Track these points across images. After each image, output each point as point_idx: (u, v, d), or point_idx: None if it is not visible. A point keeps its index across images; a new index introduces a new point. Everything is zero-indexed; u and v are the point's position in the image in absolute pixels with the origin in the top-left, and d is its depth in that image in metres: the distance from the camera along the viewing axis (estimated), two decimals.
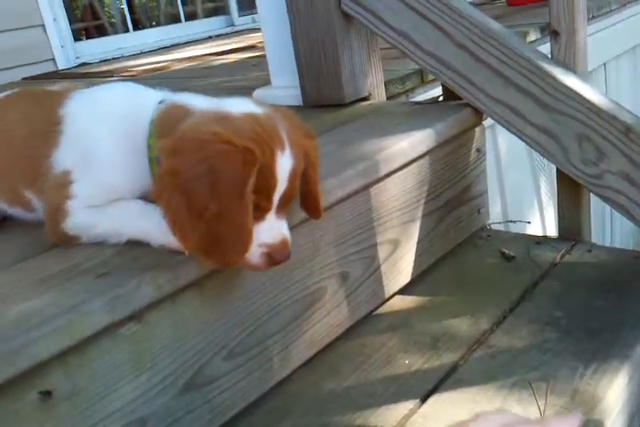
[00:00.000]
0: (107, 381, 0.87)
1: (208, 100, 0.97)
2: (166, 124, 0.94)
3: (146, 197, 1.00)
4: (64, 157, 1.01)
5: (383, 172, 1.24)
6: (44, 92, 1.20)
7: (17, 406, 0.78)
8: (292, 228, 1.07)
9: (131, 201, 0.99)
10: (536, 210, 2.53)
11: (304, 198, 1.03)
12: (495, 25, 1.38)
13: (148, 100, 1.00)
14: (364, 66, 1.65)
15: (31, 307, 0.82)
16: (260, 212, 0.91)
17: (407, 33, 1.45)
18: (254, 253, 0.91)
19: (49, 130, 1.03)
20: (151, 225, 0.94)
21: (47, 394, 0.81)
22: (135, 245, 0.96)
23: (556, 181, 1.48)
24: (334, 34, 1.57)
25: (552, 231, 2.47)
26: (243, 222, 0.86)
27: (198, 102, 0.96)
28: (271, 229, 0.92)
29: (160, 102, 0.99)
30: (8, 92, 1.20)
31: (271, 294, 1.08)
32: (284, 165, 0.90)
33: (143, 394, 0.91)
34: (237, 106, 0.93)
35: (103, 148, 0.98)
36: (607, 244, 2.94)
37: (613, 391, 1.01)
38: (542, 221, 2.55)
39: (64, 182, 0.99)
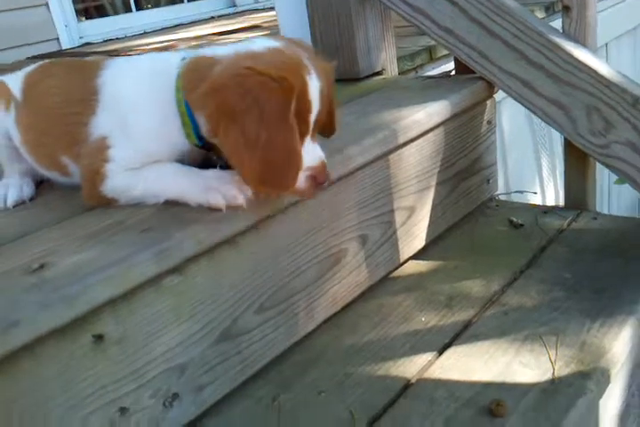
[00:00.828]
0: (151, 328, 0.93)
1: (227, 47, 1.02)
2: (194, 76, 0.99)
3: (181, 160, 1.05)
4: (101, 124, 1.06)
5: (401, 140, 1.30)
6: (79, 62, 1.24)
7: (73, 347, 0.85)
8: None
9: (167, 163, 1.04)
10: (537, 184, 2.59)
11: (328, 120, 1.08)
12: (509, 1, 1.43)
13: (172, 60, 1.05)
14: (378, 41, 1.70)
15: (82, 258, 0.88)
16: (300, 137, 0.96)
17: (423, 9, 1.50)
18: (300, 178, 0.97)
19: (86, 98, 1.08)
20: (188, 185, 1.00)
21: (99, 338, 0.87)
22: (172, 206, 1.02)
23: (557, 155, 1.54)
24: (349, 10, 1.62)
25: (553, 204, 2.53)
26: (293, 146, 0.93)
27: (219, 51, 1.01)
28: (310, 153, 0.99)
29: (183, 59, 1.03)
30: (42, 62, 1.24)
31: (297, 253, 1.14)
32: (314, 87, 0.96)
33: (182, 342, 0.97)
34: (259, 44, 1.00)
35: (137, 113, 1.03)
36: None
37: (619, 343, 1.08)
38: (543, 194, 2.62)
39: (102, 147, 1.04)
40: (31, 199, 1.17)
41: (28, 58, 3.84)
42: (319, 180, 0.99)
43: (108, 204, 1.05)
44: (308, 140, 0.99)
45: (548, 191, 2.67)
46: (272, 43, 1.01)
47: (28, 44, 3.89)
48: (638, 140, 1.33)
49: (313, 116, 0.98)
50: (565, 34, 1.41)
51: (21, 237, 0.98)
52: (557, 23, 1.54)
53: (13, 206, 1.14)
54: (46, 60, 1.26)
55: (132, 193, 1.03)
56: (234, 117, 0.92)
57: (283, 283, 1.12)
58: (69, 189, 1.13)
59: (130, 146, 1.03)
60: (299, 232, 1.13)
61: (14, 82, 1.21)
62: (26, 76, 1.22)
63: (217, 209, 0.98)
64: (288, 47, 1.00)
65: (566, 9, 1.38)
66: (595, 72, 1.33)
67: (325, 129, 1.11)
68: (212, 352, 1.02)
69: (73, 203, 1.08)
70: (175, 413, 0.97)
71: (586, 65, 1.34)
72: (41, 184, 1.24)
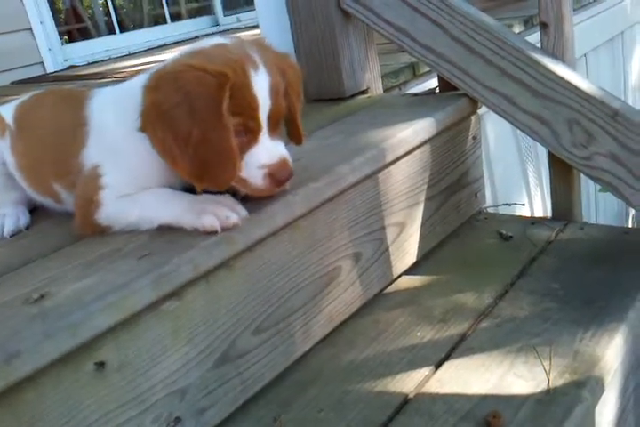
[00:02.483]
0: (151, 354, 0.94)
1: (179, 51, 1.03)
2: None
3: (174, 186, 1.07)
4: (92, 154, 1.07)
5: (390, 158, 1.33)
6: (68, 91, 1.26)
7: (76, 375, 0.85)
8: (309, 212, 1.16)
9: (160, 188, 1.06)
10: (524, 195, 2.63)
11: (287, 124, 1.08)
12: (488, 18, 1.46)
13: (140, 79, 1.03)
14: (363, 61, 1.74)
15: (82, 286, 0.90)
16: (252, 134, 0.96)
17: (404, 28, 1.54)
18: (257, 176, 0.97)
19: (75, 129, 1.09)
20: (182, 209, 1.02)
21: (101, 365, 0.88)
22: (166, 231, 1.03)
23: (543, 166, 1.58)
24: (334, 30, 1.65)
25: (541, 215, 2.57)
26: (226, 142, 0.92)
27: (171, 56, 1.02)
28: (268, 150, 0.98)
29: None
30: (34, 92, 1.26)
31: (292, 273, 1.16)
32: (261, 82, 0.95)
33: (182, 366, 0.98)
34: (205, 42, 1.00)
35: (124, 140, 1.03)
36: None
37: (611, 351, 1.10)
38: (531, 205, 2.65)
39: (95, 176, 1.06)
40: (27, 228, 1.18)
41: (13, 82, 3.85)
42: (278, 177, 0.98)
43: (101, 232, 1.06)
44: (263, 137, 0.97)
45: (536, 202, 2.70)
46: (221, 40, 1.00)
47: (13, 69, 3.90)
48: (619, 151, 1.36)
49: (263, 113, 0.95)
50: (544, 50, 1.45)
51: (21, 267, 0.99)
52: (536, 36, 1.58)
53: (11, 236, 1.15)
54: (37, 91, 1.28)
55: (127, 219, 1.04)
56: (163, 113, 0.91)
57: (279, 303, 1.13)
58: (65, 217, 1.14)
59: (122, 172, 1.05)
60: (293, 253, 1.15)
61: (6, 111, 1.24)
62: (17, 105, 1.24)
63: (212, 232, 0.99)
64: (237, 42, 0.99)
65: (544, 25, 1.42)
66: (574, 86, 1.37)
67: (291, 137, 1.10)
68: (212, 375, 1.03)
69: (69, 230, 1.09)
70: None
71: (565, 80, 1.38)
72: (34, 211, 1.25)
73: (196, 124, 0.91)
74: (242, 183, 1.00)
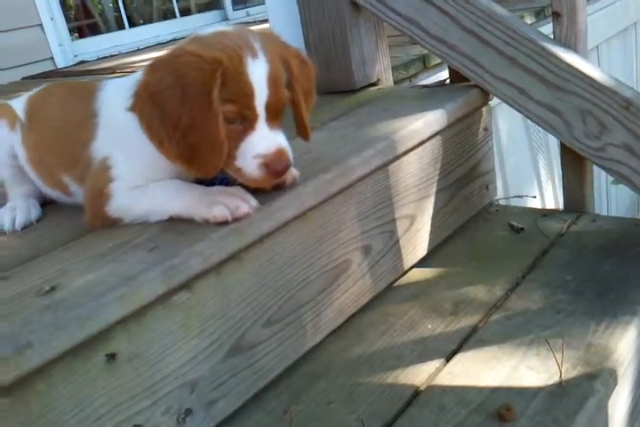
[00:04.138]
0: (162, 346, 0.94)
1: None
2: None
3: (183, 178, 1.06)
4: (102, 146, 1.07)
5: (400, 150, 1.32)
6: (79, 84, 1.26)
7: (87, 367, 0.85)
8: (319, 204, 1.15)
9: (170, 180, 1.05)
10: (535, 188, 2.61)
11: (294, 119, 1.06)
12: (499, 8, 1.45)
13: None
14: (373, 52, 1.72)
15: (93, 278, 0.90)
16: (248, 122, 0.95)
17: (415, 19, 1.52)
18: (252, 166, 0.95)
19: (85, 120, 1.09)
20: (193, 200, 1.01)
21: (112, 356, 0.88)
22: (177, 223, 1.03)
23: (554, 159, 1.56)
24: (344, 22, 1.64)
25: (552, 207, 2.55)
26: (214, 129, 0.91)
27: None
28: (264, 140, 0.95)
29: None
30: (44, 85, 1.26)
31: (302, 266, 1.15)
32: (258, 69, 0.93)
33: (193, 358, 0.98)
34: (210, 30, 1.00)
35: (134, 131, 1.00)
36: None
37: (624, 343, 1.09)
38: (542, 198, 2.64)
39: (105, 167, 1.06)
40: (38, 221, 1.18)
41: (24, 78, 3.86)
42: (273, 168, 0.95)
43: (111, 225, 1.06)
44: (260, 126, 0.95)
45: (547, 195, 2.69)
46: (224, 28, 1.00)
47: (24, 65, 3.91)
48: (633, 141, 1.35)
49: (259, 101, 0.94)
50: (556, 40, 1.43)
51: (32, 260, 0.99)
52: (548, 28, 1.56)
53: (22, 229, 1.15)
54: (48, 83, 1.28)
55: (138, 211, 1.04)
56: (154, 94, 0.91)
57: (289, 295, 1.13)
58: (75, 210, 1.14)
59: (132, 164, 1.04)
60: (303, 245, 1.15)
61: (18, 104, 1.24)
62: (29, 98, 1.24)
63: (223, 222, 0.98)
64: (239, 30, 0.98)
65: (556, 15, 1.40)
66: (587, 77, 1.35)
67: (299, 132, 1.09)
68: (223, 367, 1.03)
69: (80, 223, 1.09)
70: None
71: (578, 70, 1.36)
72: (46, 205, 1.25)
73: (185, 109, 0.90)
74: (237, 173, 0.98)
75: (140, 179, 1.05)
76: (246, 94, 0.93)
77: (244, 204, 0.99)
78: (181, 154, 0.93)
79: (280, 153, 0.96)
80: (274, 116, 0.97)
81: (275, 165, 0.95)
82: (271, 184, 1.03)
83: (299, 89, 1.03)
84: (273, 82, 0.95)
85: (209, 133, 0.92)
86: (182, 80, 0.91)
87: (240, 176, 0.99)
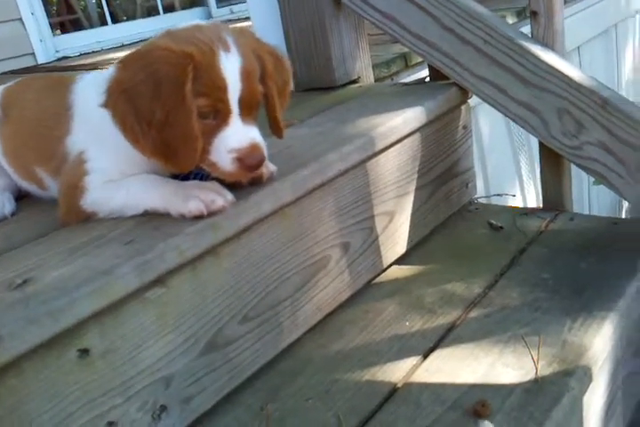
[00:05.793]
0: (136, 341, 0.93)
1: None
2: None
3: (159, 172, 1.05)
4: (77, 140, 1.06)
5: (379, 147, 1.32)
6: (55, 77, 1.25)
7: (59, 362, 0.85)
8: (297, 199, 1.15)
9: (145, 175, 1.04)
10: (517, 186, 2.62)
11: (267, 116, 1.06)
12: (479, 7, 1.45)
13: None
14: (354, 50, 1.72)
15: (66, 272, 0.89)
16: (222, 116, 0.94)
17: (394, 16, 1.52)
18: (225, 160, 0.95)
19: (60, 113, 1.08)
20: (168, 194, 1.00)
21: (85, 351, 0.87)
22: (152, 217, 1.02)
23: (535, 158, 1.57)
24: (324, 19, 1.64)
25: (533, 206, 2.56)
26: (188, 124, 0.90)
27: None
28: (237, 134, 0.95)
29: None
30: (20, 79, 1.25)
31: (280, 262, 1.15)
32: (230, 63, 0.93)
33: (168, 354, 0.98)
34: (184, 24, 0.99)
35: (109, 125, 0.99)
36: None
37: (599, 340, 1.09)
38: (523, 196, 2.65)
39: (80, 161, 1.05)
40: (12, 215, 1.17)
41: (4, 73, 3.82)
42: (247, 162, 0.95)
43: (86, 219, 1.05)
44: (234, 120, 0.95)
45: (529, 193, 2.70)
46: (199, 22, 0.99)
47: (3, 60, 3.86)
48: (609, 140, 1.36)
49: (232, 95, 0.93)
50: (534, 39, 1.44)
51: (4, 253, 0.98)
52: (529, 28, 1.57)
53: None
54: (25, 76, 1.27)
55: (112, 205, 1.03)
56: (126, 90, 0.90)
57: (267, 292, 1.12)
58: (50, 204, 1.13)
59: (107, 158, 1.04)
60: (280, 241, 1.14)
61: None
62: (4, 90, 1.23)
63: (198, 216, 0.98)
64: (213, 25, 0.98)
65: (534, 14, 1.41)
66: (564, 75, 1.36)
67: (272, 129, 1.08)
68: (199, 363, 1.02)
69: (54, 217, 1.08)
70: (164, 425, 0.97)
71: (555, 68, 1.37)
72: (21, 199, 1.24)
73: (158, 104, 0.90)
74: (212, 167, 0.98)
75: (115, 173, 1.04)
76: (219, 87, 0.92)
77: (220, 198, 0.98)
78: (156, 150, 0.93)
79: (254, 147, 0.96)
80: (247, 110, 0.96)
81: (249, 160, 0.95)
82: (246, 178, 1.02)
83: (272, 85, 1.02)
84: (246, 76, 0.94)
85: (183, 129, 0.91)
86: (154, 75, 0.90)
87: (215, 170, 0.98)
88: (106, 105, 0.93)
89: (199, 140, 0.93)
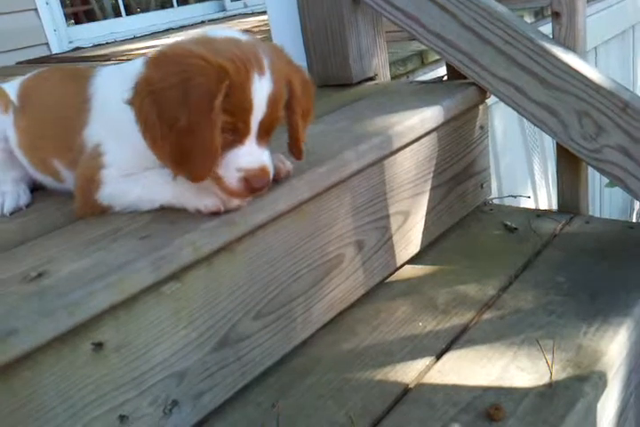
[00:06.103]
0: (150, 335, 0.93)
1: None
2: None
3: None
4: (94, 133, 1.06)
5: (396, 145, 1.31)
6: (74, 69, 1.25)
7: (74, 355, 0.84)
8: (313, 197, 1.14)
9: (162, 169, 1.03)
10: (529, 188, 2.61)
11: (289, 137, 1.06)
12: (500, 7, 1.44)
13: (140, 60, 1.00)
14: (371, 47, 1.71)
15: (82, 266, 0.88)
16: (239, 136, 0.94)
17: (414, 14, 1.51)
18: (232, 178, 0.94)
19: (78, 105, 1.08)
20: (185, 189, 1.00)
21: (99, 345, 0.87)
22: (169, 212, 1.02)
23: (548, 159, 1.55)
24: (342, 16, 1.63)
25: (545, 207, 2.55)
26: (210, 137, 0.90)
27: (182, 39, 0.99)
28: (250, 155, 0.95)
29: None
30: (39, 69, 1.25)
31: (294, 259, 1.14)
32: (261, 87, 0.92)
33: (182, 349, 0.97)
34: (222, 33, 0.98)
35: (127, 119, 0.98)
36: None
37: (615, 346, 1.08)
38: (535, 198, 2.64)
39: (96, 154, 1.04)
40: (27, 206, 1.17)
41: (18, 63, 3.83)
42: (253, 184, 0.95)
43: (101, 213, 1.04)
44: (250, 141, 0.95)
45: (541, 195, 2.69)
46: (236, 34, 0.97)
47: (17, 49, 3.88)
48: (629, 144, 1.34)
49: (254, 119, 0.93)
50: (555, 40, 1.42)
51: (19, 245, 0.98)
52: (546, 28, 1.55)
53: (10, 214, 1.13)
54: (43, 68, 1.26)
55: (129, 199, 1.03)
56: (155, 91, 0.89)
57: (280, 289, 1.12)
58: (65, 196, 1.13)
59: (124, 151, 1.03)
60: (295, 238, 1.14)
61: (11, 88, 1.22)
62: (22, 81, 1.23)
63: (215, 213, 0.98)
64: (250, 41, 0.96)
65: (556, 15, 1.39)
66: (585, 77, 1.35)
67: (292, 151, 1.08)
68: (211, 359, 1.02)
69: (69, 210, 1.08)
70: (175, 420, 0.97)
71: (576, 70, 1.35)
72: (36, 191, 1.23)
73: (184, 112, 0.89)
74: (217, 180, 0.97)
75: (131, 167, 1.03)
76: (245, 109, 0.92)
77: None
78: (172, 155, 0.92)
79: (263, 171, 0.96)
80: (264, 134, 0.96)
81: (255, 182, 0.95)
82: (246, 198, 1.01)
83: (298, 110, 1.02)
84: (272, 102, 0.94)
85: (204, 140, 0.90)
86: (186, 83, 0.88)
87: (219, 184, 0.97)
88: (131, 102, 0.92)
89: (219, 153, 0.92)
